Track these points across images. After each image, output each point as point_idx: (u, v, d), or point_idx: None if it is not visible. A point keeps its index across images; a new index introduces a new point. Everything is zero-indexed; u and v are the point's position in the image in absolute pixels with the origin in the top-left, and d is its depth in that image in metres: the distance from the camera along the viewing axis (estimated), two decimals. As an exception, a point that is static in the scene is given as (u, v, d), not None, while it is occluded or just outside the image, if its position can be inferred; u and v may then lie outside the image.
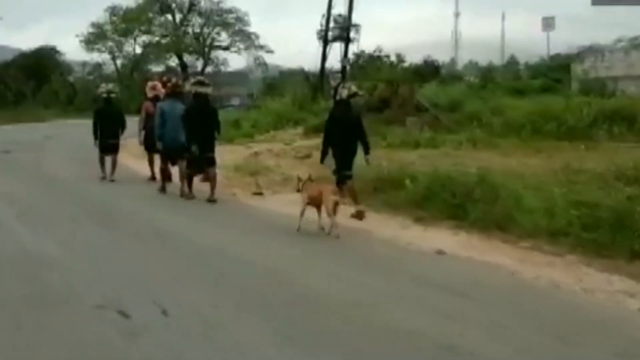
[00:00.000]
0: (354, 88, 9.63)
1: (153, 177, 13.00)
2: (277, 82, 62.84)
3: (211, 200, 10.28)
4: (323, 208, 7.81)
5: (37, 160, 17.52)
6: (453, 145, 16.43)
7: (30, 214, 9.21)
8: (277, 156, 17.13)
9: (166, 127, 11.06)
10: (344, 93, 9.30)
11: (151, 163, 13.11)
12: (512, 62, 57.56)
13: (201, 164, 10.47)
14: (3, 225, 8.40)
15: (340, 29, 26.24)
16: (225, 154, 19.41)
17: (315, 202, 7.91)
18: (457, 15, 59.31)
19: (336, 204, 7.69)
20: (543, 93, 25.37)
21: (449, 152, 15.57)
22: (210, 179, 10.47)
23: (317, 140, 20.41)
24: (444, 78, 29.56)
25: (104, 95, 13.28)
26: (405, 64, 37.65)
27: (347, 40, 26.40)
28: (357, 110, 10.08)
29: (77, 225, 8.37)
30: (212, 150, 10.56)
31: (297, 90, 28.37)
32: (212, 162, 10.55)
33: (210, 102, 10.96)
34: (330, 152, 9.33)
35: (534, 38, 62.23)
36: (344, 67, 26.88)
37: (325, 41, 27.06)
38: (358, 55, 27.19)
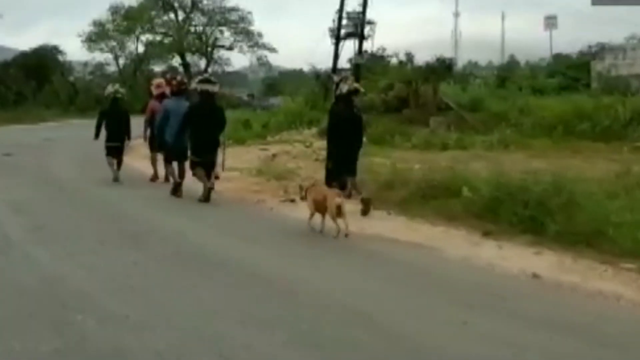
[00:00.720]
0: (355, 84, 9.37)
1: (155, 177, 12.74)
2: (277, 82, 62.02)
3: (210, 186, 9.98)
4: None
5: (42, 163, 16.45)
6: (483, 147, 15.45)
7: (44, 229, 7.88)
8: (296, 158, 16.12)
9: (170, 126, 10.67)
10: (344, 88, 9.03)
11: (154, 162, 12.79)
12: (513, 62, 56.72)
13: (205, 165, 10.03)
14: (14, 245, 6.99)
15: (354, 26, 25.10)
16: (240, 156, 18.54)
17: (320, 207, 7.69)
18: (456, 15, 58.46)
19: (339, 207, 7.46)
20: (562, 92, 24.41)
21: (480, 154, 14.55)
22: (209, 176, 10.13)
23: None
24: (456, 77, 28.46)
25: (111, 96, 12.87)
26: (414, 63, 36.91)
27: (361, 37, 25.27)
28: (359, 108, 9.72)
29: (102, 244, 7.05)
30: (216, 151, 10.32)
31: (308, 90, 27.27)
32: (213, 163, 10.30)
33: (217, 100, 10.53)
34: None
35: (535, 37, 61.60)
36: (357, 65, 25.75)
37: (338, 38, 25.93)
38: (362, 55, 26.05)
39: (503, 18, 49.67)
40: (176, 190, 10.60)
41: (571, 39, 64.71)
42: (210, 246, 7.11)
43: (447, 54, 31.58)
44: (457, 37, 64.09)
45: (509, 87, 25.00)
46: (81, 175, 13.82)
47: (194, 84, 10.68)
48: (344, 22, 25.62)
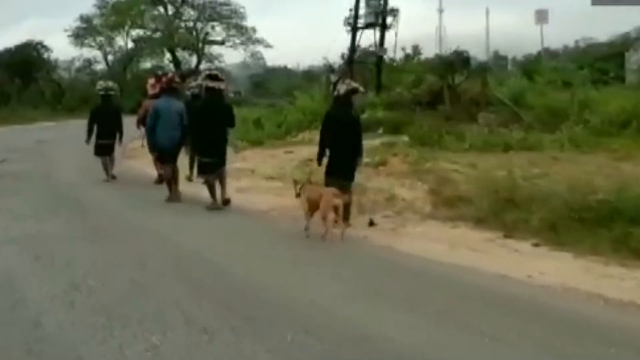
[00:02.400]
0: (353, 84, 8.71)
1: (161, 179, 11.56)
2: (265, 80, 59.38)
3: (225, 200, 9.42)
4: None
5: (42, 170, 14.16)
6: (553, 147, 13.26)
7: (75, 284, 5.18)
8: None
9: (160, 126, 9.98)
10: (342, 89, 8.45)
11: (156, 164, 11.64)
12: (498, 57, 54.81)
13: (213, 167, 9.35)
14: (38, 321, 4.36)
15: (374, 15, 22.72)
16: (265, 160, 16.21)
17: (315, 206, 7.24)
18: (441, 11, 56.41)
19: (337, 208, 7.03)
20: (595, 85, 22.25)
21: (557, 156, 12.39)
22: (220, 180, 9.49)
23: (381, 139, 17.50)
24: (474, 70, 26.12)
25: (102, 92, 12.41)
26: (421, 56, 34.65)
27: (383, 27, 22.89)
28: (357, 110, 9.15)
29: (172, 323, 4.36)
30: (224, 152, 9.58)
31: (323, 86, 24.92)
32: (223, 163, 9.59)
33: (224, 98, 9.93)
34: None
35: (520, 33, 59.81)
36: (380, 57, 23.38)
37: (355, 29, 23.58)
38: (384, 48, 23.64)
39: (487, 14, 48.07)
40: (171, 195, 10.02)
41: (558, 34, 63.27)
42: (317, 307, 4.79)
43: (432, 50, 29.45)
44: (441, 33, 62.16)
45: (538, 80, 22.81)
46: (96, 188, 11.53)
47: (199, 80, 10.06)
48: (362, 11, 23.23)
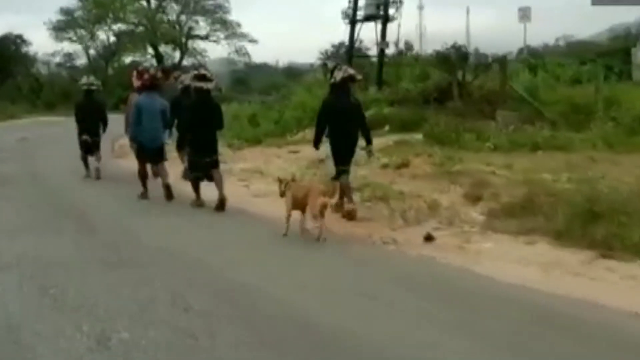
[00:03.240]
0: (350, 71, 8.39)
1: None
2: (246, 76, 57.79)
3: (220, 206, 8.79)
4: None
5: (28, 172, 12.81)
6: (585, 147, 12.22)
7: (102, 336, 3.87)
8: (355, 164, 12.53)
9: (143, 124, 9.68)
10: (338, 76, 8.15)
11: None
12: (479, 55, 53.86)
13: (205, 166, 9.04)
14: None
15: (375, 7, 21.46)
16: (269, 161, 14.96)
17: (301, 205, 6.89)
18: (420, 8, 55.17)
19: (324, 206, 6.75)
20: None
21: (595, 157, 11.35)
22: (216, 182, 9.05)
23: (389, 137, 16.35)
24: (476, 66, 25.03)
25: (84, 87, 12.14)
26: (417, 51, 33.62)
27: (385, 19, 21.63)
28: (356, 97, 8.84)
29: None
30: (216, 151, 9.27)
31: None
32: (215, 164, 9.21)
33: (213, 98, 9.46)
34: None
35: (502, 31, 58.89)
36: (381, 51, 22.15)
37: (353, 22, 22.35)
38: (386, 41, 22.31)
39: (468, 12, 47.04)
40: (145, 194, 9.73)
41: (537, 32, 62.55)
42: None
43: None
44: (421, 30, 61.07)
45: (544, 76, 21.81)
46: (89, 190, 10.27)
47: (187, 80, 9.82)
48: (362, 2, 21.98)
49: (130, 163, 13.11)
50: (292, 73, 53.22)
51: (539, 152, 12.29)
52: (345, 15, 22.94)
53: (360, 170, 12.16)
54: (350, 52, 23.05)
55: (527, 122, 14.53)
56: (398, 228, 7.24)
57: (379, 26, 22.09)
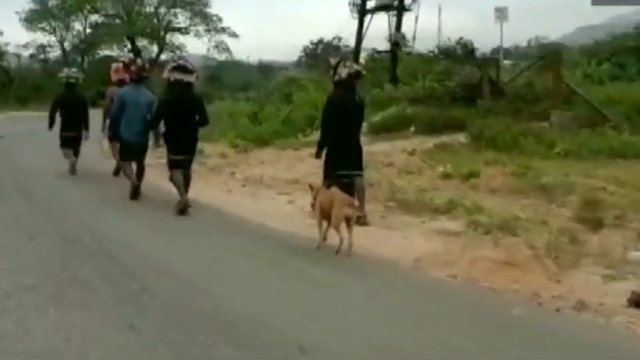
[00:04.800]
0: (356, 66, 7.83)
1: (117, 172, 10.81)
2: (220, 73, 55.14)
3: (184, 206, 7.97)
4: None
5: (14, 179, 10.51)
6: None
7: None
8: (406, 172, 10.45)
9: (126, 118, 9.06)
10: (343, 73, 7.46)
11: (115, 154, 10.54)
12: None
13: (182, 164, 8.38)
14: None
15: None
16: (292, 164, 12.81)
17: (327, 214, 6.10)
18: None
19: (348, 218, 5.94)
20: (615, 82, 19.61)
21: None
22: (185, 181, 8.34)
23: (422, 140, 14.27)
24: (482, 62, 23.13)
25: (65, 80, 11.56)
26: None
27: (400, 9, 19.46)
28: (360, 96, 7.87)
29: None
30: (193, 151, 8.61)
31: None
32: (191, 162, 8.65)
33: (194, 92, 8.62)
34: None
35: (474, 31, 57.48)
36: (395, 44, 20.01)
37: (363, 13, 20.22)
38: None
39: (440, 12, 45.10)
40: (135, 193, 8.91)
41: (507, 33, 61.29)
42: None
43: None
44: (392, 31, 59.20)
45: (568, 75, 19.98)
46: (97, 206, 8.28)
47: (166, 73, 8.53)
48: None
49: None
50: (265, 70, 51.45)
51: (618, 160, 10.39)
52: (353, 5, 20.77)
53: (415, 181, 10.15)
54: (358, 46, 20.90)
55: (586, 125, 12.58)
56: (553, 276, 5.11)
57: (392, 18, 20.04)
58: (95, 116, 11.79)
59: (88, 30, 45.45)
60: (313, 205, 6.45)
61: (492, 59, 21.01)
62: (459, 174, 9.70)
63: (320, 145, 7.69)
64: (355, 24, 20.50)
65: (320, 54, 48.64)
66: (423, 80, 17.46)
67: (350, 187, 7.14)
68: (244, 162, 13.98)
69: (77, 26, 45.29)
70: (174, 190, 8.28)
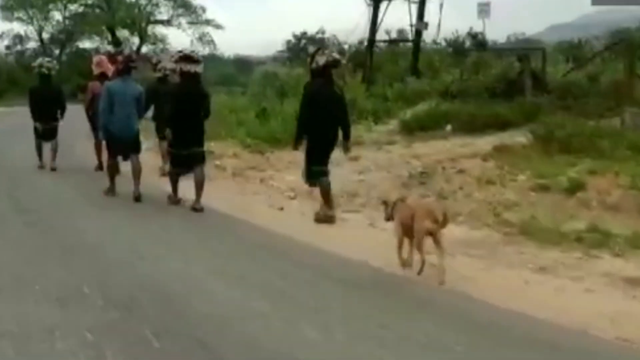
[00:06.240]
0: (334, 55, 7.37)
1: (100, 167, 10.66)
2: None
3: (197, 208, 7.70)
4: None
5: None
6: None
7: None
8: (486, 182, 8.56)
9: (114, 112, 8.36)
10: (320, 61, 7.13)
11: (98, 150, 10.57)
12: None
13: (188, 160, 7.91)
14: None
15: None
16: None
17: (410, 231, 5.05)
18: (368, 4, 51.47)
19: (430, 233, 4.90)
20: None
21: None
22: (196, 183, 7.84)
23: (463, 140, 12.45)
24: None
25: (38, 71, 11.06)
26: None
27: (424, -5, 17.49)
28: (340, 86, 7.78)
29: None
30: (201, 144, 8.05)
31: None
32: (201, 159, 8.04)
33: (202, 83, 8.20)
34: None
35: (457, 27, 55.82)
36: (417, 33, 18.05)
37: (378, 0, 18.29)
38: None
39: (409, 6, 43.27)
40: (111, 190, 8.55)
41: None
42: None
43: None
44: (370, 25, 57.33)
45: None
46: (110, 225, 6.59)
47: (171, 63, 8.57)
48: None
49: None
50: (242, 65, 49.73)
51: None
52: (366, -6, 18.75)
53: (500, 194, 8.26)
54: (372, 36, 18.94)
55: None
56: None
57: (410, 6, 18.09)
58: (72, 111, 11.56)
59: (67, 21, 42.59)
60: (388, 219, 5.49)
61: (537, 49, 19.16)
62: (557, 185, 7.83)
63: (297, 137, 7.35)
64: (366, 14, 18.62)
65: (303, 48, 46.79)
66: (460, 74, 15.57)
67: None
68: (266, 165, 12.05)
69: (57, 16, 42.66)
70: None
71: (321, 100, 7.13)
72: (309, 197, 8.50)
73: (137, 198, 8.22)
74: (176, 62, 8.06)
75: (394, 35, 26.59)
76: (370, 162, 11.28)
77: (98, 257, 5.38)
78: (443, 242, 4.93)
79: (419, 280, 4.82)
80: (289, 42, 55.09)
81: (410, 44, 22.11)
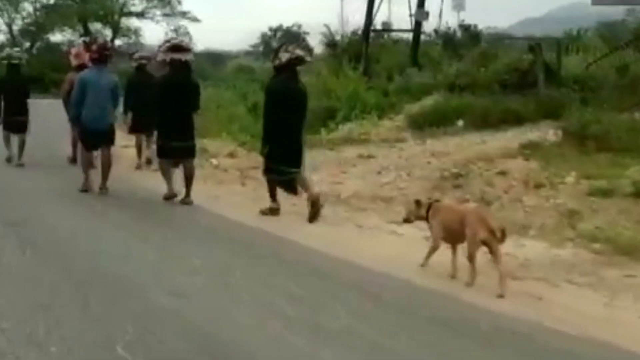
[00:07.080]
0: (298, 51, 7.03)
1: (74, 160, 10.15)
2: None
3: (186, 202, 7.57)
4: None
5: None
6: None
7: None
8: (535, 186, 7.64)
9: (87, 103, 8.06)
10: (284, 57, 6.90)
11: (75, 142, 9.92)
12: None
13: (177, 153, 7.66)
14: None
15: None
16: (340, 169, 9.92)
17: (455, 236, 4.68)
18: None
19: (485, 243, 4.39)
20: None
21: None
22: (186, 176, 7.67)
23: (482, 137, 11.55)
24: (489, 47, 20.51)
25: (6, 62, 10.70)
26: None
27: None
28: (303, 83, 7.31)
29: None
30: (192, 137, 7.77)
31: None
32: (190, 152, 7.78)
33: (192, 73, 8.08)
34: None
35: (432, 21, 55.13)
36: (417, 24, 17.09)
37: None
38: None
39: (389, 1, 42.92)
40: (87, 186, 8.12)
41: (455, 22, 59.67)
42: None
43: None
44: (344, 21, 56.67)
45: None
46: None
47: (160, 54, 7.96)
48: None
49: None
50: (214, 59, 48.40)
51: None
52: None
53: (552, 198, 7.32)
54: (368, 27, 17.94)
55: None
56: None
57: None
58: (47, 106, 11.47)
59: (39, 12, 40.70)
60: (422, 219, 5.03)
61: (551, 40, 18.30)
62: (619, 189, 6.93)
63: (266, 141, 7.01)
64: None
65: (278, 42, 45.67)
66: (471, 62, 14.68)
67: (291, 186, 6.90)
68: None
69: (27, 7, 40.71)
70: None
71: (286, 98, 6.91)
72: (338, 202, 7.46)
73: (102, 191, 8.02)
74: (164, 52, 7.81)
75: (379, 27, 25.70)
76: (387, 161, 10.31)
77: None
78: (499, 251, 4.45)
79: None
80: (264, 35, 53.87)
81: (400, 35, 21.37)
